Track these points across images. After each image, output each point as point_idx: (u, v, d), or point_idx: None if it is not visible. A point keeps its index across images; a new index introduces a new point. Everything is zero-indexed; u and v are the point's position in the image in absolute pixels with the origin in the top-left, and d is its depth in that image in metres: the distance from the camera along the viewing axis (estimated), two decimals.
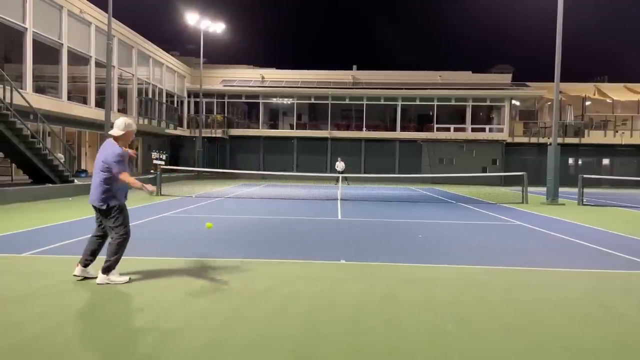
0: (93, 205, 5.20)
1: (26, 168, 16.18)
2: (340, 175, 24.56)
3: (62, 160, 16.96)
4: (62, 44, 19.65)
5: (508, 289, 5.29)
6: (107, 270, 5.09)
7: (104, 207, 5.11)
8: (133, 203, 13.95)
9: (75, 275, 5.22)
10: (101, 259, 5.19)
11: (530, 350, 3.58)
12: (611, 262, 6.94)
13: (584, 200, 16.84)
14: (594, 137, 32.83)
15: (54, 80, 20.08)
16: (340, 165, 27.29)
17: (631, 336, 3.92)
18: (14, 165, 16.94)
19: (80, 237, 7.94)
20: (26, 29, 17.52)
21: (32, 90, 17.90)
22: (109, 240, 5.23)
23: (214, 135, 33.52)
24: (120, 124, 5.23)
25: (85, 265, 5.24)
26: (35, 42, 18.08)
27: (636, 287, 5.56)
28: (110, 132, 5.25)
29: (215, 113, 34.71)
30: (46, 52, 19.17)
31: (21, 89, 16.74)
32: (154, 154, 22.44)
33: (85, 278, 5.21)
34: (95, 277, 5.16)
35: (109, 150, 5.12)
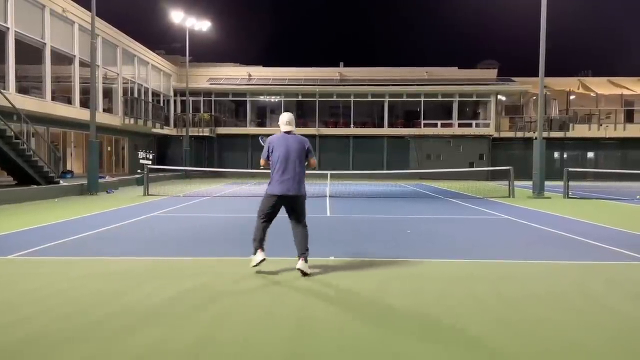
0: (287, 195, 5.47)
1: (10, 169, 15.97)
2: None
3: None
4: (45, 44, 19.38)
5: (496, 282, 5.34)
6: (307, 258, 5.50)
7: (303, 193, 5.58)
8: (121, 203, 13.84)
9: (257, 264, 5.49)
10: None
11: (519, 343, 3.62)
12: (597, 254, 7.04)
13: (570, 193, 17.05)
14: (579, 130, 33.21)
15: (37, 81, 19.82)
16: None
17: (617, 327, 3.98)
18: None
19: (67, 238, 7.88)
20: (8, 28, 17.26)
21: (15, 91, 17.64)
22: (299, 229, 5.57)
23: (201, 134, 33.35)
24: (291, 119, 5.79)
25: (263, 249, 5.56)
26: (18, 42, 17.81)
27: (621, 278, 5.64)
28: (287, 129, 5.69)
29: (202, 112, 34.52)
30: (29, 52, 18.91)
31: (4, 89, 16.50)
32: (141, 154, 22.23)
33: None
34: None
35: (303, 140, 5.67)
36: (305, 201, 5.69)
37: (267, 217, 5.62)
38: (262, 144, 5.89)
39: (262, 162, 5.75)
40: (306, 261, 5.47)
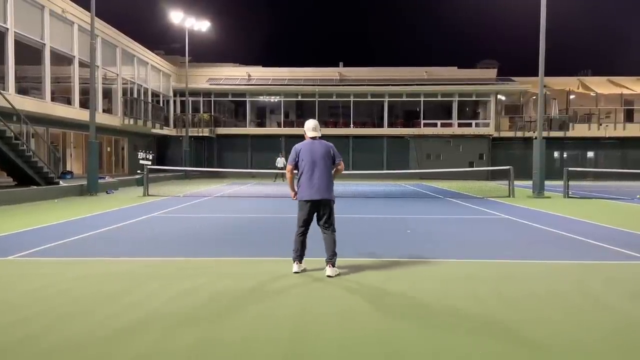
0: (316, 200, 5.55)
1: (10, 170, 15.96)
2: (278, 172, 24.86)
3: None
4: (44, 44, 19.37)
5: (496, 282, 5.34)
6: (335, 263, 5.52)
7: (331, 198, 5.65)
8: (121, 203, 13.84)
9: (297, 272, 5.56)
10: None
11: (519, 342, 3.62)
12: (597, 254, 7.04)
13: (570, 192, 17.05)
14: (579, 130, 33.21)
15: (37, 81, 19.81)
16: (281, 161, 25.86)
17: (617, 326, 3.98)
18: None
19: (68, 238, 7.88)
20: (7, 29, 17.25)
21: (15, 92, 17.63)
22: (327, 234, 5.62)
23: (201, 135, 33.33)
24: (317, 126, 5.84)
25: (301, 262, 5.66)
26: (17, 43, 17.80)
27: (621, 277, 5.64)
28: (314, 135, 5.76)
29: (201, 112, 34.51)
30: (28, 53, 18.90)
31: (3, 90, 16.49)
32: (140, 154, 22.29)
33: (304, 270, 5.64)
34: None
35: (329, 145, 5.71)
36: (334, 206, 5.72)
37: (304, 225, 5.65)
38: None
39: (288, 167, 5.77)
40: (334, 265, 5.51)
